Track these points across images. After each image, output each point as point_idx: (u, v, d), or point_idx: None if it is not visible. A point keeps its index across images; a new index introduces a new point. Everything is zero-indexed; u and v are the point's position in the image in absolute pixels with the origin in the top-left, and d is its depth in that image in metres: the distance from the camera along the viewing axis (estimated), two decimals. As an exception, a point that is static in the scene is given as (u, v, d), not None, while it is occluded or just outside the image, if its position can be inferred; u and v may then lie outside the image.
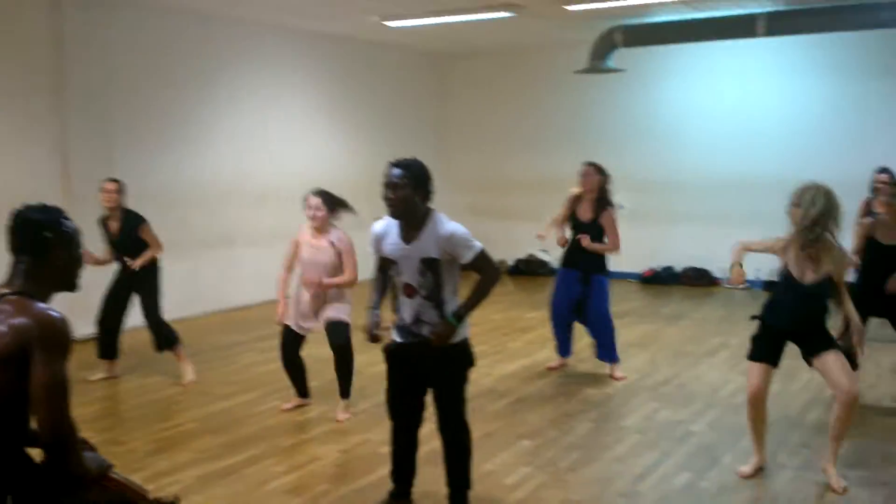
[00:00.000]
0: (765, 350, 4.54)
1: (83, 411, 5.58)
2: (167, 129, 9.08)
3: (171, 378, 6.69)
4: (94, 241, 7.12)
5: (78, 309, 5.85)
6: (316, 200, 5.57)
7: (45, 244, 2.54)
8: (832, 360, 4.37)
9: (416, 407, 4.06)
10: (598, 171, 6.63)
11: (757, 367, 4.54)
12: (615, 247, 6.61)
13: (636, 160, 11.30)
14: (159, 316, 6.65)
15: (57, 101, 7.95)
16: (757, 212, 10.58)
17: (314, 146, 11.00)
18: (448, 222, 3.76)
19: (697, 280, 11.25)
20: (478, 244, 3.77)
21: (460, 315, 3.77)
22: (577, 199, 6.70)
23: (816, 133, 10.40)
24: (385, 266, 4.02)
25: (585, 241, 6.52)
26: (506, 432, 5.44)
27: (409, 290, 3.79)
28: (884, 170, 7.46)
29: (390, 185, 3.68)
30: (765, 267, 10.68)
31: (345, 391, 5.73)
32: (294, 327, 5.71)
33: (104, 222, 6.54)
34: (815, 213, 4.23)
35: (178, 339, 6.71)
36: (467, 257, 3.73)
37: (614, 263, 8.96)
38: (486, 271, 3.81)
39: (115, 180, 6.52)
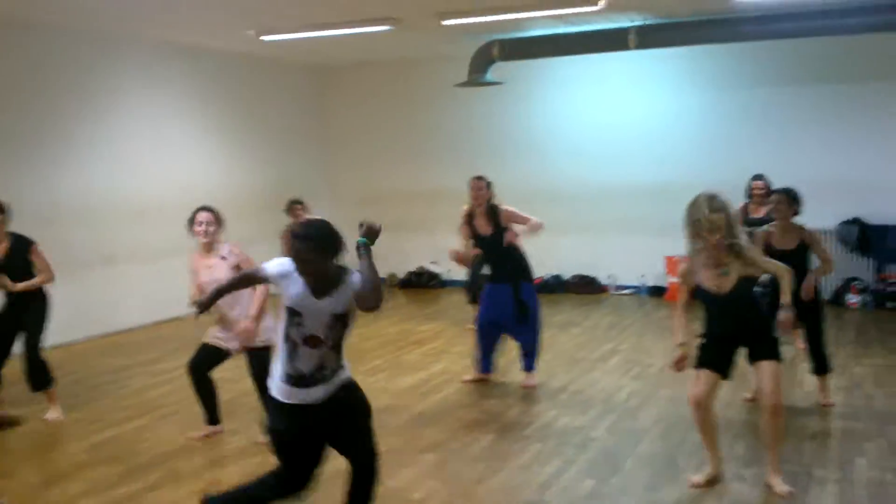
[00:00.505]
0: (709, 356, 4.55)
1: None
2: (42, 146, 8.66)
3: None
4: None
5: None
6: (206, 215, 5.42)
7: None
8: (765, 367, 4.44)
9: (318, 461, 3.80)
10: (487, 184, 6.75)
11: (701, 374, 4.52)
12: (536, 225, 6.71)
13: (518, 171, 11.50)
14: (38, 353, 6.13)
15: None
16: (637, 218, 11.04)
17: (196, 161, 10.73)
18: (358, 277, 3.55)
19: (585, 287, 11.55)
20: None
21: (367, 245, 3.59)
22: (469, 217, 6.78)
23: (690, 142, 10.87)
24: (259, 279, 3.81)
25: (511, 235, 6.64)
26: (408, 447, 5.42)
27: (315, 342, 3.56)
28: (758, 177, 7.93)
29: (301, 260, 3.48)
30: (649, 272, 11.16)
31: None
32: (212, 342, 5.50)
33: None
34: (730, 220, 4.32)
35: (53, 381, 6.22)
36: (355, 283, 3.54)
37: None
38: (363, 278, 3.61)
39: None
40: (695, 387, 4.55)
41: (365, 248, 3.59)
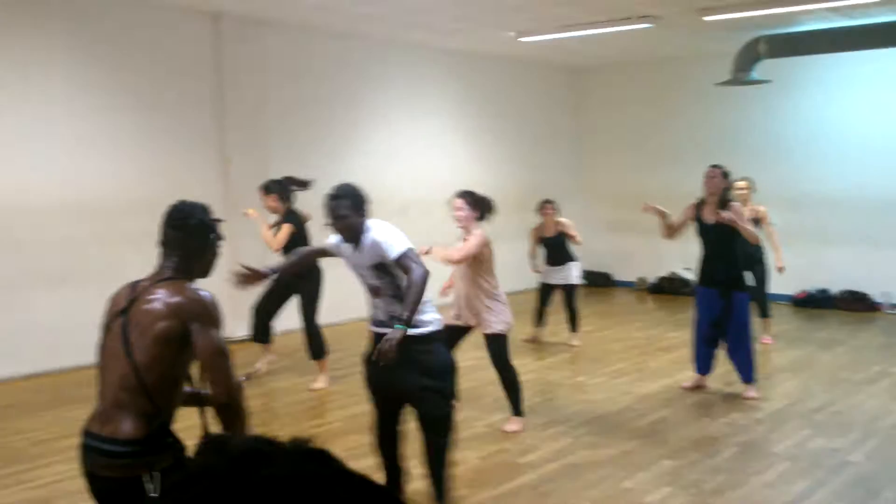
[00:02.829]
0: None
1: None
2: (313, 145, 9.48)
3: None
4: (246, 248, 7.55)
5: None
6: (458, 202, 5.69)
7: (207, 243, 2.85)
8: None
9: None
10: (724, 175, 6.47)
11: None
12: (751, 236, 6.40)
13: (786, 175, 10.86)
14: (314, 324, 6.93)
15: (218, 120, 8.50)
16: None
17: (453, 160, 11.19)
18: (378, 229, 3.98)
19: (855, 304, 10.64)
20: (403, 246, 3.91)
21: (406, 320, 3.83)
22: (698, 205, 6.55)
23: None
24: (318, 253, 4.59)
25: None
26: (646, 451, 5.32)
27: (374, 292, 4.06)
28: None
29: (337, 217, 3.95)
30: (931, 292, 10.04)
31: (515, 407, 5.73)
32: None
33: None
34: None
35: (325, 353, 6.95)
36: (392, 255, 3.88)
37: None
38: (412, 270, 3.89)
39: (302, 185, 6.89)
40: None
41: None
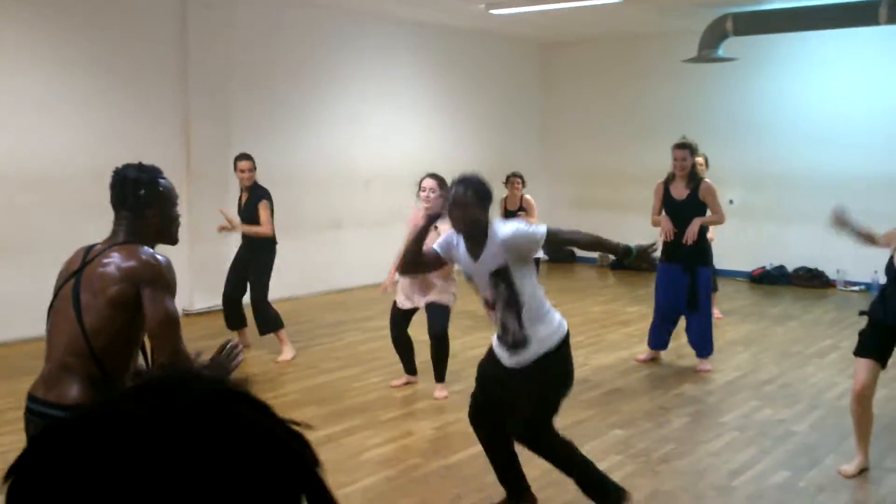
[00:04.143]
0: (872, 346, 4.41)
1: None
2: (282, 115, 9.41)
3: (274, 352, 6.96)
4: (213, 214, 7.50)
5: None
6: (431, 182, 5.68)
7: (140, 202, 2.75)
8: None
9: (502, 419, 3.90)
10: (692, 151, 6.58)
11: (863, 363, 4.42)
12: (721, 218, 6.55)
13: (747, 154, 10.99)
14: (263, 300, 6.81)
15: (181, 86, 8.41)
16: (876, 211, 10.10)
17: (423, 133, 11.17)
18: (503, 225, 3.66)
19: (810, 281, 10.85)
20: (542, 227, 3.67)
21: (636, 248, 3.77)
22: (667, 181, 6.67)
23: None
24: (432, 255, 3.92)
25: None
26: (598, 421, 5.43)
27: (488, 305, 3.73)
28: None
29: (460, 205, 3.56)
30: (882, 269, 10.27)
31: (439, 375, 5.84)
32: (400, 304, 5.85)
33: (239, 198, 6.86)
34: None
35: (279, 325, 6.84)
36: (539, 242, 3.62)
37: (720, 260, 8.78)
38: (572, 237, 3.78)
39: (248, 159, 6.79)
40: (856, 379, 4.49)
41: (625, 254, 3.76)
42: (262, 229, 6.63)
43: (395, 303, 5.89)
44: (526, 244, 3.61)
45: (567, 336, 3.73)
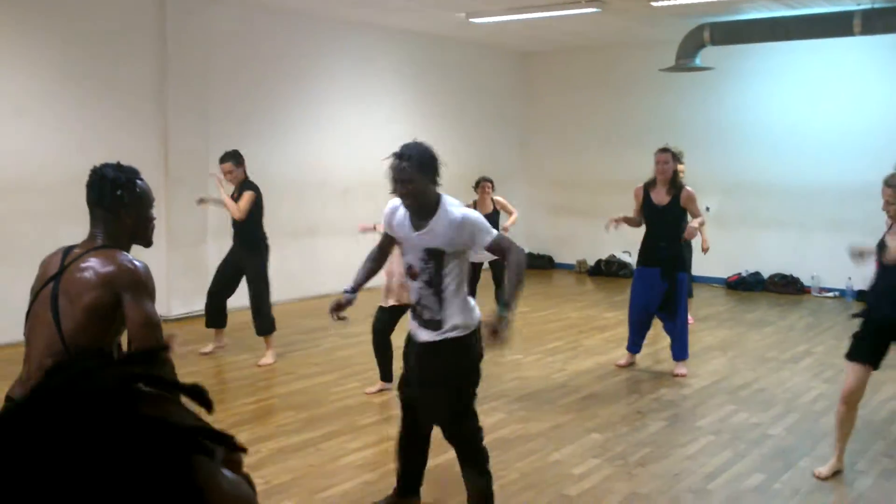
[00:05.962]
0: (866, 350, 4.43)
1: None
2: (257, 123, 9.39)
3: (256, 356, 6.94)
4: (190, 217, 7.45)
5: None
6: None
7: (117, 202, 2.73)
8: None
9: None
10: (674, 157, 6.62)
11: (855, 367, 4.45)
12: (703, 223, 6.63)
13: (724, 162, 11.12)
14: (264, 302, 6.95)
15: (159, 93, 8.37)
16: (848, 218, 10.27)
17: (398, 141, 11.00)
18: (459, 207, 3.54)
19: (785, 287, 10.96)
20: (494, 231, 3.54)
21: (509, 303, 3.38)
22: (647, 185, 6.70)
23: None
24: (386, 244, 3.92)
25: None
26: (576, 425, 5.46)
27: (412, 272, 3.61)
28: None
29: (400, 180, 3.44)
30: (857, 275, 10.39)
31: (389, 373, 5.93)
32: (382, 302, 5.86)
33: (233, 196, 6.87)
34: None
35: (272, 329, 6.96)
36: (486, 240, 3.48)
37: (697, 267, 8.87)
38: (511, 251, 3.48)
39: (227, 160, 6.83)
40: (847, 382, 4.50)
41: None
42: (233, 206, 6.66)
43: (379, 307, 5.90)
44: (472, 234, 3.48)
45: (478, 329, 3.61)
